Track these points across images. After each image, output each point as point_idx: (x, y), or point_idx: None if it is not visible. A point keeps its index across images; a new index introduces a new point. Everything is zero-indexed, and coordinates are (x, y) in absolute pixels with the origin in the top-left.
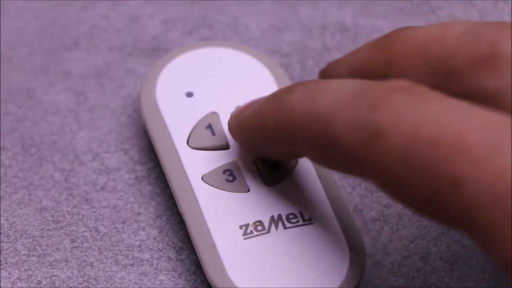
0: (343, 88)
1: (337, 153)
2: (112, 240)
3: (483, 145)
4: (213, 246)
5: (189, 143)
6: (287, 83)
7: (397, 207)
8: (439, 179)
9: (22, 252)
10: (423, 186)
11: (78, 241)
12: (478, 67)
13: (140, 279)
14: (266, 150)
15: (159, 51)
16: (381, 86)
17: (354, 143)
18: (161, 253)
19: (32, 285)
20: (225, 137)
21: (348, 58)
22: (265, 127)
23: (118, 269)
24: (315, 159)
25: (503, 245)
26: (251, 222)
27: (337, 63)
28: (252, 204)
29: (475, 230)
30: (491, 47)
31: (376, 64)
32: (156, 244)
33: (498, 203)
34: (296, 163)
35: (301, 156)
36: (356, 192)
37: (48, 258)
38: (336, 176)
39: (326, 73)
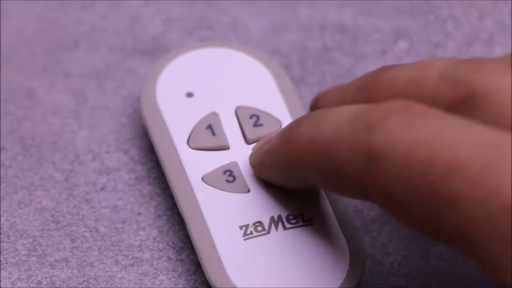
0: (343, 114)
1: (342, 181)
2: (112, 240)
3: (476, 163)
4: (213, 247)
5: (189, 143)
6: (287, 83)
7: None
8: (436, 198)
9: (22, 252)
10: (423, 207)
11: (78, 241)
12: (458, 108)
13: (140, 279)
14: (284, 184)
15: (159, 52)
16: (378, 109)
17: (355, 168)
18: (161, 253)
19: (32, 285)
20: (225, 137)
21: (336, 95)
22: (278, 163)
23: (118, 269)
24: (327, 189)
25: (499, 265)
26: (251, 223)
27: (326, 99)
28: (252, 204)
29: (473, 249)
30: (468, 88)
31: None
32: (156, 244)
33: (492, 220)
34: None
35: (316, 187)
36: None
37: (48, 258)
38: None
39: (315, 107)
